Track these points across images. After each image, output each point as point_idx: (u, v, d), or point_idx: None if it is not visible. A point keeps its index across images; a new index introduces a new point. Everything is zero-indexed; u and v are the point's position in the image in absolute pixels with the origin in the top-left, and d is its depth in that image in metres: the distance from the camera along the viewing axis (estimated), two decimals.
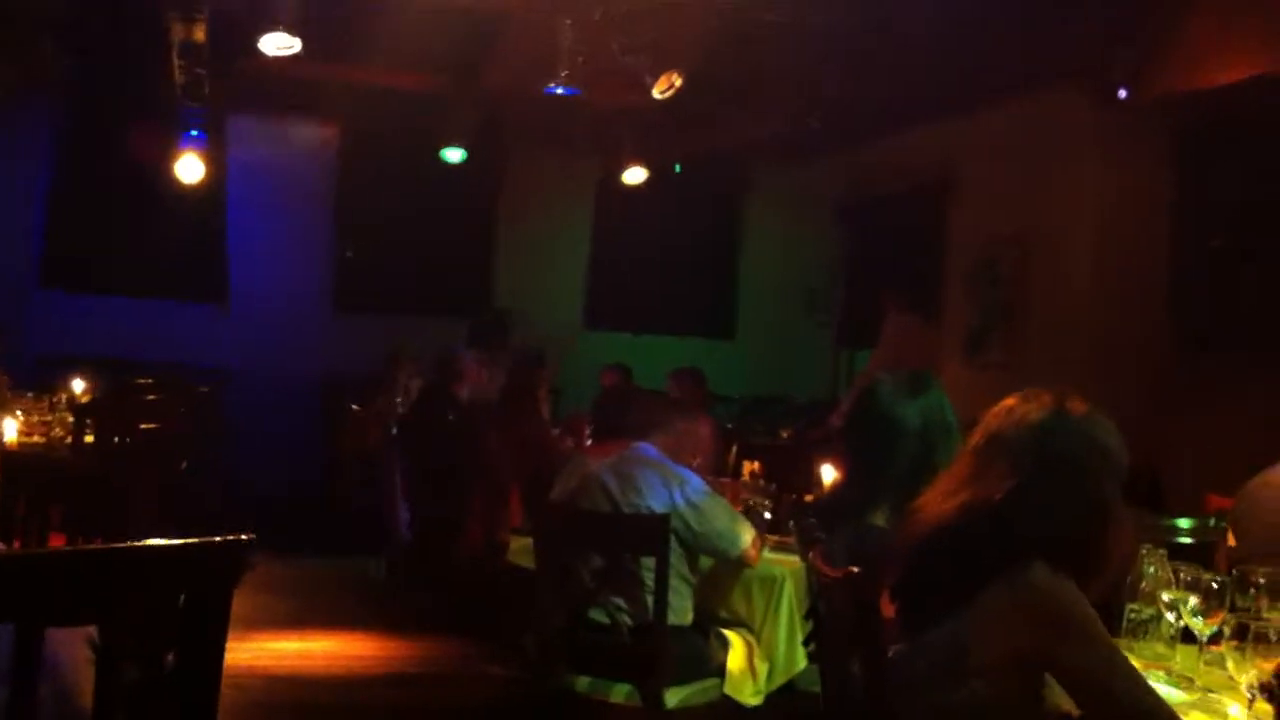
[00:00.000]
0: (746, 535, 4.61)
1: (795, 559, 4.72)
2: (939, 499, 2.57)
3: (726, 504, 4.74)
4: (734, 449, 7.10)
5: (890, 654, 2.57)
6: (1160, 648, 3.03)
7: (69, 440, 6.38)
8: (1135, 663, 2.51)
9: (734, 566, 4.71)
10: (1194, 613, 2.88)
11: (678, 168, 11.38)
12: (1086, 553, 2.44)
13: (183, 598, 2.10)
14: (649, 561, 4.38)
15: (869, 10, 7.37)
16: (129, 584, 2.06)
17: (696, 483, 4.64)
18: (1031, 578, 2.35)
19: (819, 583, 2.97)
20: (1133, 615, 3.09)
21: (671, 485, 4.56)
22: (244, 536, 2.17)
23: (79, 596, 2.01)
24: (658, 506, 4.50)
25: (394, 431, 7.63)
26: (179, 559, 2.12)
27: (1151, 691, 2.38)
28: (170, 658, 2.12)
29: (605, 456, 4.97)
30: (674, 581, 4.48)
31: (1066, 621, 2.33)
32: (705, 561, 4.75)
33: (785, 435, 9.19)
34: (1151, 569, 3.08)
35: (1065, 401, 2.52)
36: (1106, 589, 2.56)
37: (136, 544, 2.13)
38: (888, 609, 2.60)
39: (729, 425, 8.72)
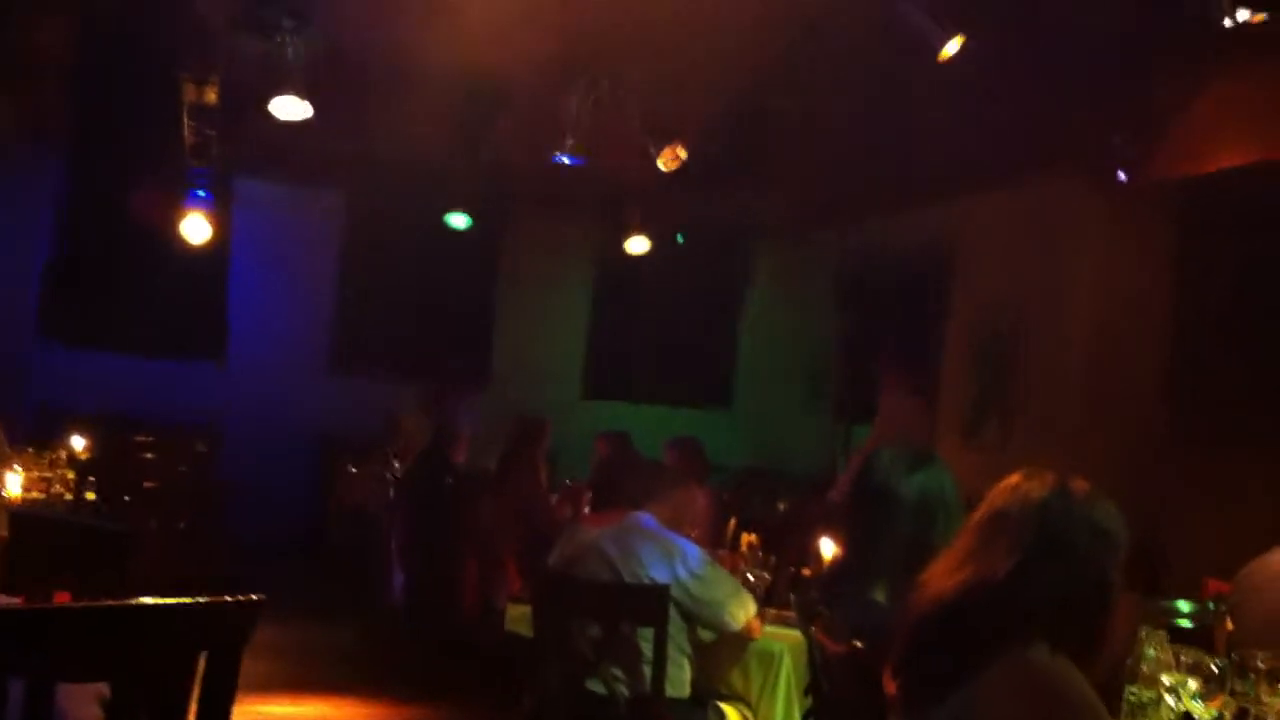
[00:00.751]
0: (749, 608, 4.61)
1: (793, 633, 4.71)
2: (941, 575, 2.58)
3: (728, 575, 4.74)
4: (732, 521, 7.10)
5: None
6: None
7: (69, 497, 6.38)
8: None
9: (734, 639, 4.70)
10: (1194, 696, 2.88)
11: (680, 238, 11.44)
12: (1086, 632, 2.44)
13: (197, 656, 2.11)
14: (648, 632, 4.38)
15: (875, 98, 7.47)
16: (142, 641, 2.08)
17: (696, 553, 4.64)
18: (1032, 658, 2.36)
19: (821, 657, 2.97)
20: (1132, 698, 3.09)
21: (673, 557, 4.56)
22: (254, 597, 2.19)
23: (92, 653, 2.02)
24: (660, 578, 4.50)
25: (391, 495, 7.63)
26: (193, 617, 2.14)
27: None
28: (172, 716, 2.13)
29: (604, 525, 4.97)
30: (673, 653, 4.47)
31: (1068, 703, 2.34)
32: (704, 634, 4.74)
33: (783, 507, 9.18)
34: (1152, 652, 3.08)
35: (1068, 482, 2.53)
36: (1105, 671, 2.57)
37: (151, 601, 2.15)
38: (889, 686, 2.60)
39: (725, 496, 8.72)
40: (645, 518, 4.79)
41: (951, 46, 5.92)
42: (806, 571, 5.89)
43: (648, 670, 4.39)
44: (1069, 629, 2.42)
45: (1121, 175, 7.45)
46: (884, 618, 2.90)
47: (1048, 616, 2.41)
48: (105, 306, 11.01)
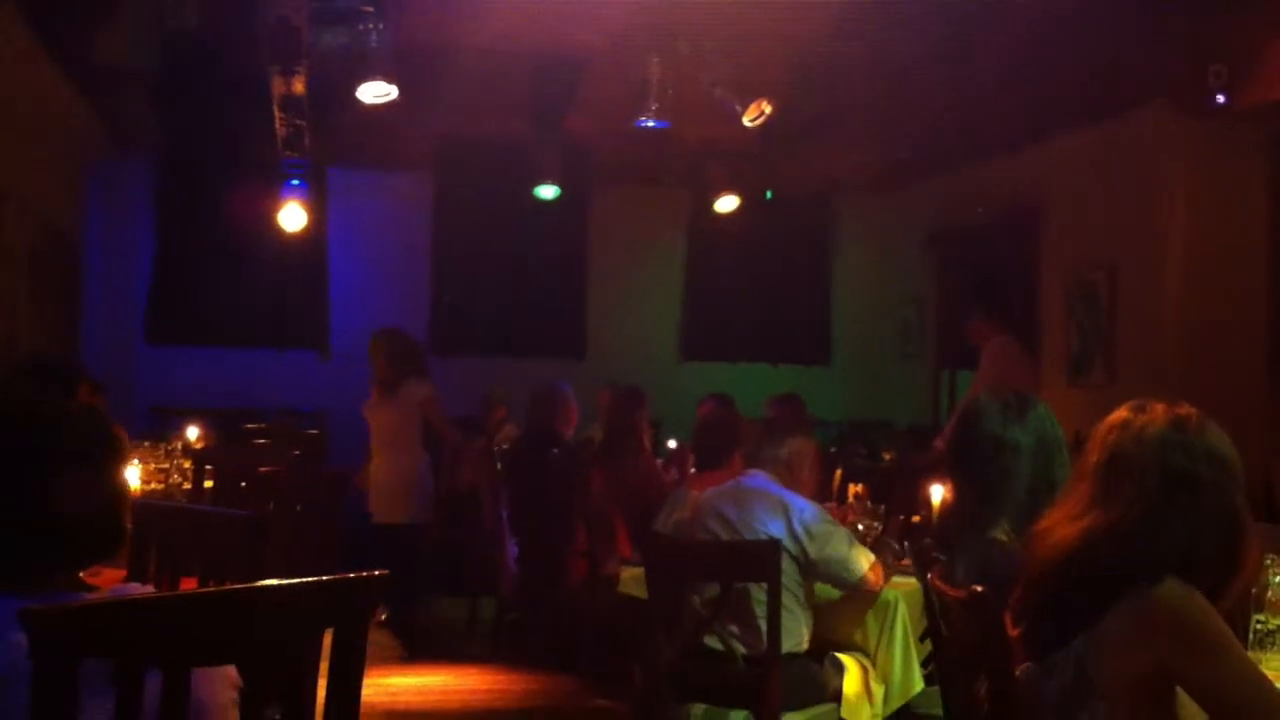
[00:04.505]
0: (864, 560, 4.60)
1: (908, 581, 4.71)
2: (1064, 521, 2.53)
3: (844, 531, 4.73)
4: (838, 473, 7.09)
5: (1017, 675, 2.55)
6: None
7: (187, 487, 6.54)
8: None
9: (854, 592, 4.70)
10: None
11: (769, 195, 11.39)
12: (1219, 566, 2.40)
13: (323, 634, 2.16)
14: (763, 589, 4.39)
15: (953, 39, 7.36)
16: (270, 622, 2.13)
17: (812, 510, 4.64)
18: (1162, 594, 2.32)
19: (940, 604, 2.96)
20: (1259, 626, 3.06)
21: (790, 513, 4.57)
22: (375, 573, 2.23)
23: (222, 636, 2.07)
24: (777, 533, 4.51)
25: (499, 468, 7.71)
26: (318, 596, 2.19)
27: None
28: (304, 696, 2.18)
29: (712, 486, 5.00)
30: (791, 607, 4.49)
31: (1200, 637, 2.30)
32: (820, 588, 4.75)
33: (888, 458, 9.14)
34: (1277, 579, 3.04)
35: (1179, 412, 2.49)
36: (1233, 601, 2.53)
37: (276, 583, 2.20)
38: (1012, 629, 2.58)
39: (831, 449, 8.70)
40: (758, 475, 4.80)
41: None
42: (916, 519, 5.88)
43: (764, 626, 4.41)
44: (1203, 564, 2.38)
45: (1220, 98, 7.28)
46: (1007, 560, 2.88)
47: (1180, 556, 2.38)
48: (208, 303, 11.24)
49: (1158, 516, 2.41)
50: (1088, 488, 2.53)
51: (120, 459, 2.26)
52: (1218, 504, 2.42)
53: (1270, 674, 2.62)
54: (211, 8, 7.32)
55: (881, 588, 4.66)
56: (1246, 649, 2.88)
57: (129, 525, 2.30)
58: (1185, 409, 2.50)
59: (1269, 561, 3.08)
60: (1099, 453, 2.54)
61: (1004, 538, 3.06)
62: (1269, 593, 3.05)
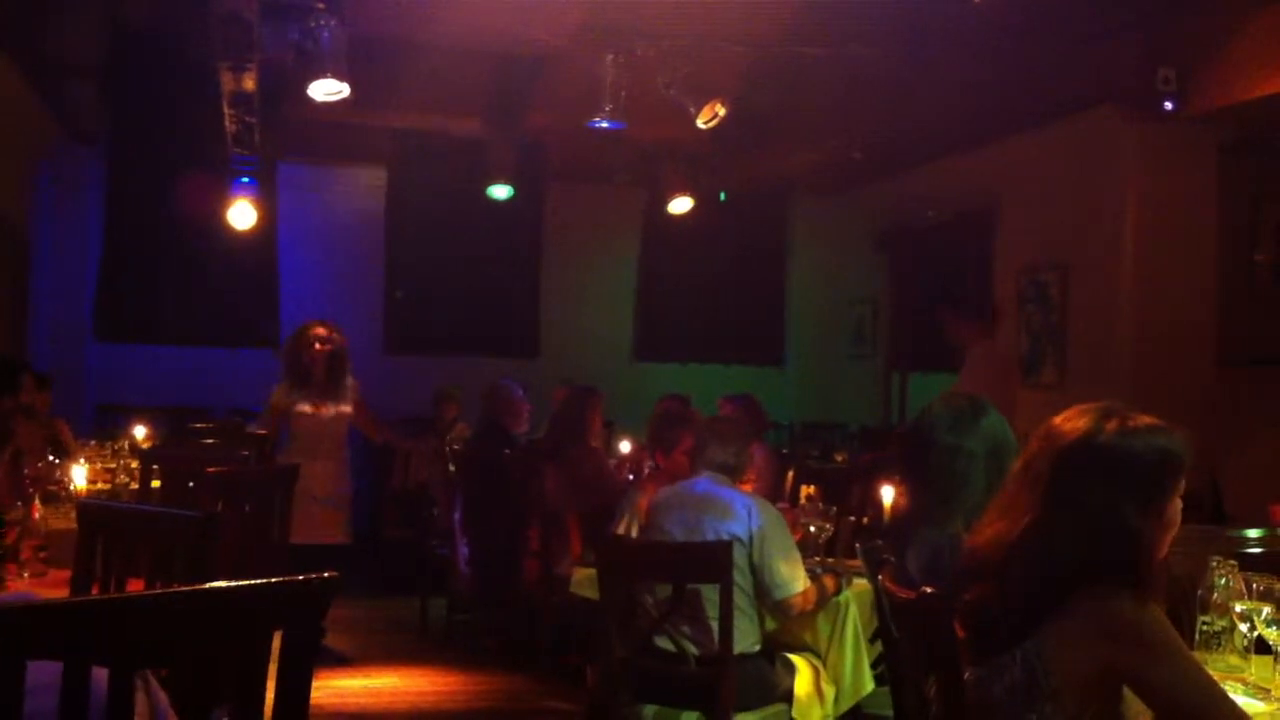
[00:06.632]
0: (798, 583, 4.60)
1: (859, 582, 4.73)
2: (983, 526, 2.59)
3: (793, 546, 4.72)
4: (790, 474, 7.11)
5: (966, 677, 2.57)
6: (1234, 659, 3.03)
7: (134, 486, 6.46)
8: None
9: (775, 609, 4.68)
10: (1268, 623, 2.88)
11: (723, 196, 11.42)
12: (1118, 576, 2.38)
13: (276, 636, 2.14)
14: (715, 589, 4.40)
15: (907, 41, 7.40)
16: (218, 624, 2.11)
17: (769, 514, 4.65)
18: (1100, 601, 2.35)
19: (890, 605, 2.98)
20: (1205, 627, 3.09)
21: (743, 513, 4.58)
22: (327, 575, 2.21)
23: (169, 639, 2.05)
24: (737, 533, 4.52)
25: (451, 469, 7.68)
26: (268, 598, 2.17)
27: (1233, 704, 2.38)
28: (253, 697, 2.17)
29: (668, 485, 5.01)
30: (741, 607, 4.49)
31: (1149, 639, 2.32)
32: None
33: (840, 460, 9.18)
34: (1223, 580, 3.08)
35: (1101, 422, 2.47)
36: (1164, 602, 2.53)
37: (225, 584, 2.18)
38: (960, 630, 2.60)
39: (783, 450, 8.72)
40: (710, 477, 4.80)
41: None
42: (865, 520, 5.91)
43: (716, 626, 4.41)
44: (1097, 573, 2.38)
45: (1168, 104, 7.38)
46: (958, 556, 2.90)
47: (1071, 566, 2.39)
48: (157, 301, 11.14)
49: (1046, 527, 2.43)
50: (1006, 495, 2.59)
51: None
52: (1105, 516, 2.42)
53: (1216, 674, 2.66)
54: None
55: (806, 612, 4.67)
56: (1192, 649, 2.91)
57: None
58: (1116, 416, 2.48)
59: (1215, 563, 3.12)
60: (1021, 459, 2.59)
61: (959, 531, 3.08)
62: (1214, 594, 3.08)
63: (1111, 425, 2.46)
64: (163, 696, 2.08)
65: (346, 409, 7.45)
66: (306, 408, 7.37)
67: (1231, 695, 2.50)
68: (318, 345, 7.43)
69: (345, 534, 7.41)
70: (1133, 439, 2.45)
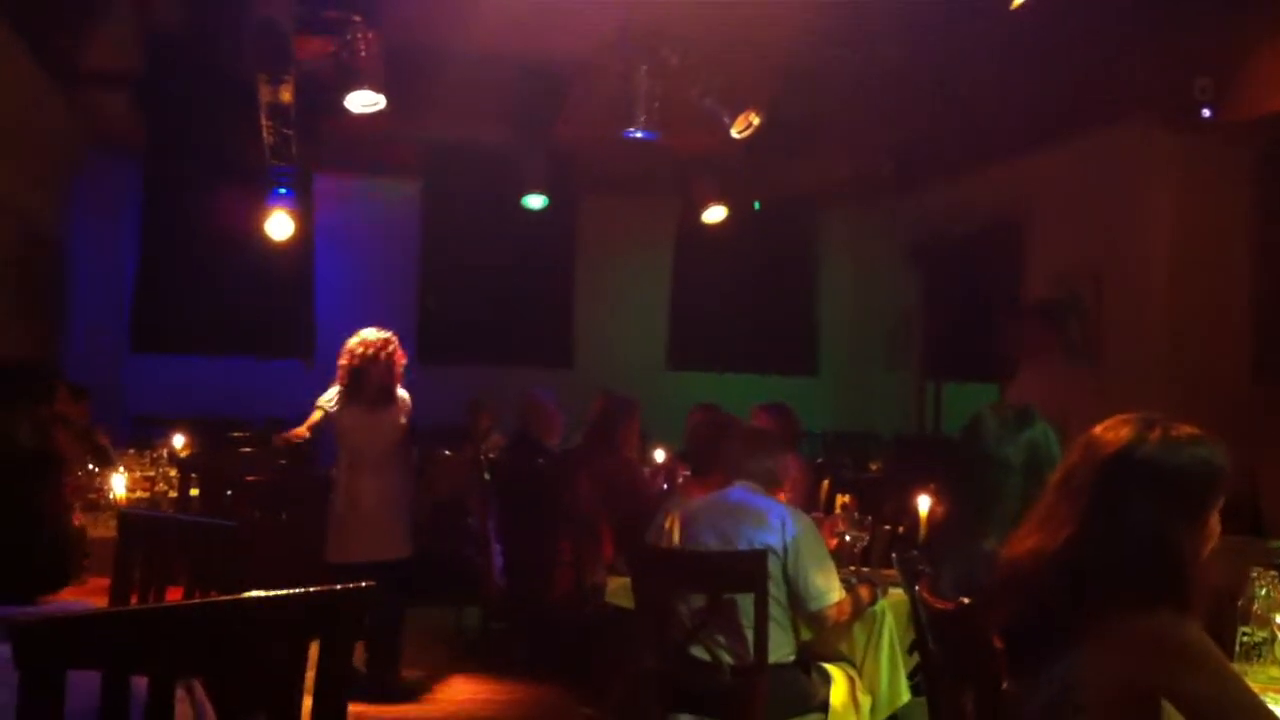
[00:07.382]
0: (834, 594, 4.57)
1: (895, 591, 4.70)
2: (1019, 539, 2.53)
3: (828, 557, 4.69)
4: (825, 484, 7.09)
5: (1004, 689, 2.54)
6: (1274, 670, 3.00)
7: (173, 495, 6.51)
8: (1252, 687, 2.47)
9: (811, 620, 4.64)
10: None
11: (757, 205, 11.41)
12: (1156, 590, 2.34)
13: (315, 645, 2.15)
14: (749, 599, 4.38)
15: (939, 49, 7.38)
16: (256, 634, 2.12)
17: (803, 524, 4.62)
18: (1138, 618, 2.31)
19: (927, 615, 2.96)
20: (1245, 639, 3.06)
21: (778, 523, 4.56)
22: (363, 584, 2.22)
23: (208, 648, 2.07)
24: (771, 543, 4.50)
25: (486, 478, 7.68)
26: (304, 607, 2.18)
27: (1275, 717, 2.35)
28: (289, 706, 2.17)
29: (702, 495, 5.00)
30: (776, 617, 4.48)
31: (1190, 654, 2.30)
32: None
33: (875, 469, 9.14)
34: (1263, 591, 3.05)
35: (1145, 432, 2.42)
36: (1205, 616, 2.49)
37: (262, 594, 2.19)
38: (999, 642, 2.58)
39: (818, 460, 8.68)
40: (745, 486, 4.79)
41: None
42: (901, 529, 5.87)
43: (751, 636, 4.40)
44: (1134, 587, 2.34)
45: (1206, 111, 7.31)
46: (993, 571, 2.88)
47: (1106, 579, 2.35)
48: (194, 312, 11.21)
49: (1086, 539, 2.39)
50: (1044, 506, 2.52)
51: (53, 479, 2.24)
52: (1147, 529, 2.37)
53: (1257, 686, 2.63)
54: (198, 10, 7.30)
55: (842, 623, 4.64)
56: (1232, 661, 2.89)
57: (78, 550, 2.28)
58: (1156, 428, 2.43)
59: (1255, 574, 3.09)
60: (1060, 470, 2.55)
61: (994, 547, 3.06)
62: (1255, 605, 3.05)
63: (1155, 436, 2.41)
64: (209, 708, 2.09)
65: (399, 420, 7.08)
66: (356, 418, 7.01)
67: (1273, 707, 2.48)
68: (371, 353, 7.12)
69: (402, 547, 6.91)
70: (1177, 451, 2.40)
